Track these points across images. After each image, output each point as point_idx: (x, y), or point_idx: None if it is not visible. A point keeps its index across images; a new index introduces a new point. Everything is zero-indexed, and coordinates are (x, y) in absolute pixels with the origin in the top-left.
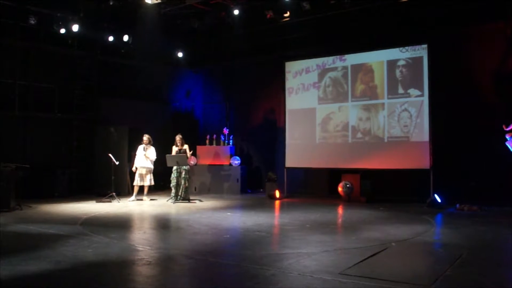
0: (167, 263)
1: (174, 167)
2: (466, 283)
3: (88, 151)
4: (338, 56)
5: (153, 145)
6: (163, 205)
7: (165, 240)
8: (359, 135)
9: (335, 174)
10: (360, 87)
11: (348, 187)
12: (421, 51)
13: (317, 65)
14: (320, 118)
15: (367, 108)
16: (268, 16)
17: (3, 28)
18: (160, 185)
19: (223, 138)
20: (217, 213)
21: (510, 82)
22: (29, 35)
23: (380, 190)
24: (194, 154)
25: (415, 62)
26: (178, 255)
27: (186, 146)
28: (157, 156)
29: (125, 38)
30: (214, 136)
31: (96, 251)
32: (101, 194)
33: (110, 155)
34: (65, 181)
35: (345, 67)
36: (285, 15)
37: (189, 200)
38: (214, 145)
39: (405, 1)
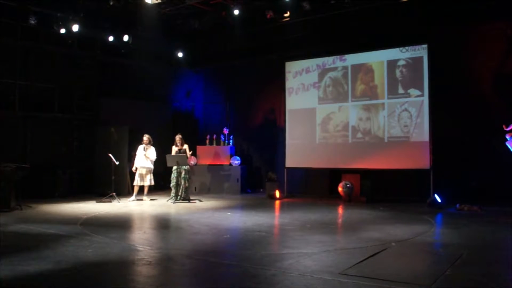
0: (167, 263)
1: (174, 167)
2: (466, 283)
3: (88, 151)
4: (338, 56)
5: (153, 145)
6: (163, 205)
7: (165, 240)
8: (359, 135)
9: (335, 174)
10: (360, 87)
11: (348, 187)
12: (421, 51)
13: (317, 65)
14: (320, 118)
15: (367, 108)
16: (268, 16)
17: (3, 28)
18: (160, 185)
19: (223, 138)
20: (217, 213)
21: (510, 82)
22: (29, 35)
23: (380, 190)
24: (194, 154)
25: (415, 62)
26: (178, 255)
27: (186, 146)
28: (157, 156)
29: (125, 38)
30: (214, 136)
31: (96, 251)
32: (101, 194)
33: (110, 155)
34: (65, 181)
35: (345, 67)
36: (285, 15)
37: (189, 200)
38: (214, 145)
39: (405, 1)
